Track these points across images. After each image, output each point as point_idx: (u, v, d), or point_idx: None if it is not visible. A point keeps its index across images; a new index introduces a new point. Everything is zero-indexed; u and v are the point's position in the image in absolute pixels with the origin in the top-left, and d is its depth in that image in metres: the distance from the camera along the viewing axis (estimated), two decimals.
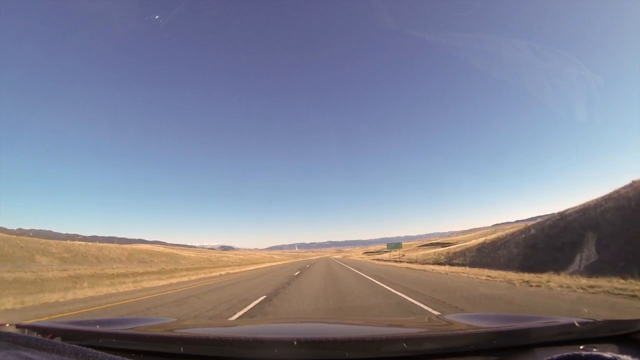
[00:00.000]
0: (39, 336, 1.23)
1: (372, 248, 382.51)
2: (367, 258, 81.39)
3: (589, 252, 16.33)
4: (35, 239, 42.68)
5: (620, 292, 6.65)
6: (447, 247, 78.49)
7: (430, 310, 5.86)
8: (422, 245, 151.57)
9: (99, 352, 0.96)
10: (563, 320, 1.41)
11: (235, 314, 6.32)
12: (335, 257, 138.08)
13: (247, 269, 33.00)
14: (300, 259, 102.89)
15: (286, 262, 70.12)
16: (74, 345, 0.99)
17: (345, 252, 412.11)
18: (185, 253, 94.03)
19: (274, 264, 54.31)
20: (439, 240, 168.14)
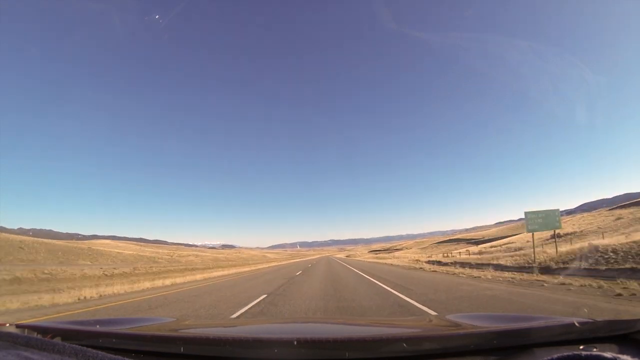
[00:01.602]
0: (39, 336, 1.22)
1: (375, 246, 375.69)
2: (393, 259, 51.53)
3: None
4: None
5: None
6: (501, 241, 66.10)
7: None
8: (442, 242, 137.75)
9: (99, 352, 0.96)
10: (563, 320, 1.42)
11: None
12: (338, 256, 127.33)
13: (195, 277, 21.37)
14: (297, 260, 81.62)
15: (276, 264, 51.35)
16: (74, 345, 0.98)
17: (348, 250, 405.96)
18: (118, 250, 72.18)
19: (259, 267, 40.10)
20: (462, 237, 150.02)
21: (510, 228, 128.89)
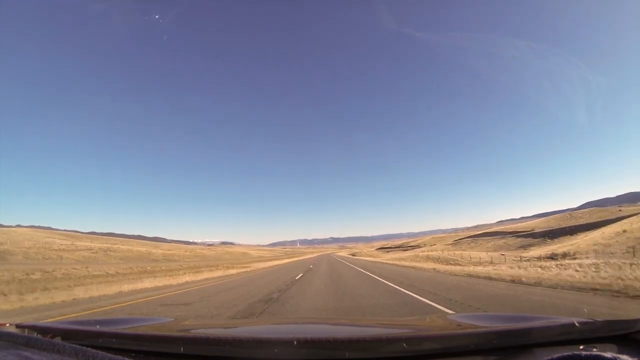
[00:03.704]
0: (39, 336, 1.23)
1: (376, 244, 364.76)
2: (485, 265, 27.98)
3: None
4: None
5: None
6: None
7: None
8: (474, 236, 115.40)
9: (99, 352, 0.96)
10: (563, 320, 1.42)
11: None
12: (340, 254, 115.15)
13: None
14: (286, 260, 61.13)
15: (244, 271, 28.65)
16: (74, 345, 0.99)
17: (349, 247, 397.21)
18: None
19: (215, 275, 22.85)
20: (500, 229, 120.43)
21: (555, 219, 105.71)
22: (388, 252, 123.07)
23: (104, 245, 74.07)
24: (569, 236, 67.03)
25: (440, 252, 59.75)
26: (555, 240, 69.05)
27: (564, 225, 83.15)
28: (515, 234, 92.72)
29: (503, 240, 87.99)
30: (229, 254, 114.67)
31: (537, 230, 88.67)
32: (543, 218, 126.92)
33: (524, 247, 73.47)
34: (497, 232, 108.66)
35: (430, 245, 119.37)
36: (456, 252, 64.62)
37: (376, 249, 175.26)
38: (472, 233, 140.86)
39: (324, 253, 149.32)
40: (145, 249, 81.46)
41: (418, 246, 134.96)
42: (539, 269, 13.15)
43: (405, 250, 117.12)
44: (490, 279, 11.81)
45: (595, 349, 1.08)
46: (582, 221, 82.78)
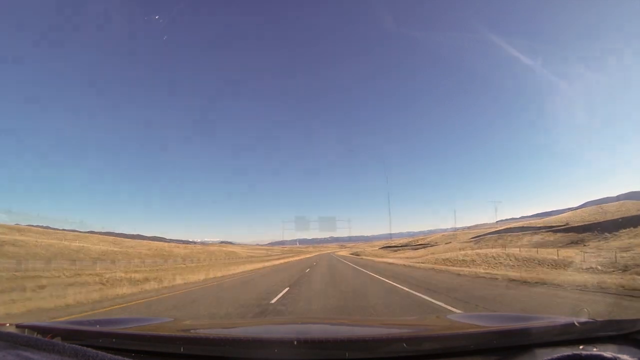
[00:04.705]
0: (39, 336, 1.24)
1: (377, 243, 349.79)
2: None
3: None
4: None
5: None
6: None
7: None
8: (498, 232, 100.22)
9: (99, 352, 0.96)
10: (563, 320, 1.43)
11: None
12: (340, 254, 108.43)
13: None
14: (279, 262, 48.36)
15: (171, 284, 13.68)
16: (74, 345, 0.99)
17: (349, 247, 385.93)
18: None
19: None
20: (536, 224, 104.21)
21: (587, 212, 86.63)
22: (396, 251, 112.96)
23: (23, 238, 57.01)
24: (632, 228, 57.61)
25: (518, 251, 44.77)
26: (617, 233, 58.62)
27: (603, 219, 72.42)
28: (548, 228, 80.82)
29: (539, 236, 76.06)
30: (207, 253, 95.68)
31: (574, 225, 77.35)
32: (573, 211, 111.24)
33: (576, 242, 60.83)
34: (523, 227, 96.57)
35: (446, 244, 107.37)
36: (536, 250, 48.54)
37: (380, 248, 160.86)
38: (494, 229, 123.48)
39: (324, 252, 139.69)
40: (81, 244, 65.49)
41: (429, 244, 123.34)
42: None
43: (416, 249, 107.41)
44: None
45: (595, 349, 1.08)
46: (618, 215, 72.89)
